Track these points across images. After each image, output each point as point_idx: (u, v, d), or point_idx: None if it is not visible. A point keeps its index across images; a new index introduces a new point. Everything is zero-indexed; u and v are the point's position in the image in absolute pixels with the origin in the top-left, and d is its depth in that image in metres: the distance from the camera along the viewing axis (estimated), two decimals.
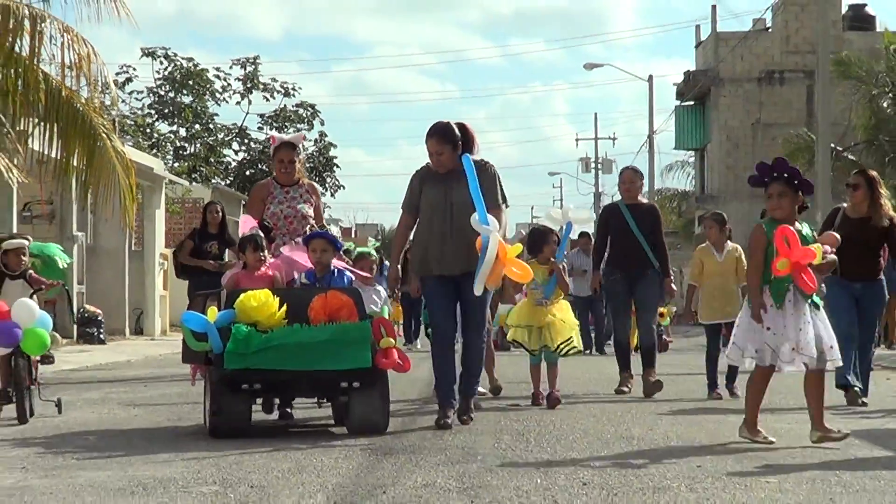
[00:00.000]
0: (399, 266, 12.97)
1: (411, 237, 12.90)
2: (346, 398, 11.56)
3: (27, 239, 14.62)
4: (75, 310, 32.08)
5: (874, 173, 14.66)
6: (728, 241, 16.19)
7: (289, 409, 13.18)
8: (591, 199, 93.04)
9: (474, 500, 8.03)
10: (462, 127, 12.55)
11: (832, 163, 36.60)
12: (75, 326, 31.72)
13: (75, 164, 21.16)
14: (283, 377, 11.33)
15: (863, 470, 9.32)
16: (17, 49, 20.46)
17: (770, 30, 54.61)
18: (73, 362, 24.73)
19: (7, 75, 20.54)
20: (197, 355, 11.81)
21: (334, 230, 14.53)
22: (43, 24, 20.46)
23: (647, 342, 16.35)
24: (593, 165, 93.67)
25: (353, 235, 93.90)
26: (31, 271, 14.21)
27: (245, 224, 13.21)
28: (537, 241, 14.74)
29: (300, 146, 14.41)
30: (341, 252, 13.36)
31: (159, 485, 8.71)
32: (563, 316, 14.66)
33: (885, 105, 38.58)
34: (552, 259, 14.62)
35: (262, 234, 12.81)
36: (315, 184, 14.68)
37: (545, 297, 14.57)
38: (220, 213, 21.37)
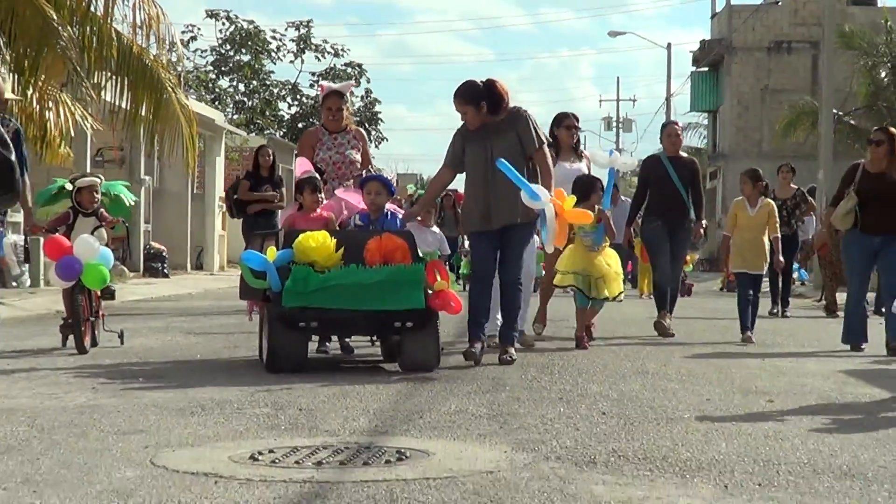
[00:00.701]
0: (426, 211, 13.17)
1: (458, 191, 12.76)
2: (399, 337, 11.04)
3: (99, 177, 14.12)
4: (135, 247, 32.27)
5: (895, 129, 14.07)
6: (762, 197, 15.41)
7: (348, 340, 12.56)
8: None
9: (503, 426, 8.00)
10: (490, 84, 11.80)
11: (834, 126, 36.52)
12: (139, 261, 31.85)
13: (143, 114, 21.21)
14: (339, 316, 10.72)
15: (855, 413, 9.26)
16: (92, 8, 20.55)
17: (780, 3, 54.18)
18: (138, 294, 24.93)
19: (84, 32, 20.59)
20: (255, 292, 11.29)
21: (388, 174, 13.92)
22: None
23: (672, 288, 15.86)
24: (615, 124, 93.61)
25: (395, 183, 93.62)
26: (102, 210, 13.62)
27: (301, 167, 12.38)
28: (583, 189, 13.60)
29: (347, 95, 13.89)
30: (396, 195, 12.62)
31: (216, 406, 8.73)
32: (614, 264, 13.88)
33: (882, 74, 38.37)
34: (599, 207, 13.61)
35: (318, 177, 12.13)
36: (362, 130, 14.04)
37: (596, 243, 13.69)
38: (272, 157, 21.03)
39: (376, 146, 62.32)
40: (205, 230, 38.06)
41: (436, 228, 14.00)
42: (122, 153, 32.86)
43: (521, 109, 11.93)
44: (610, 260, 13.78)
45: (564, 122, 14.84)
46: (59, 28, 19.47)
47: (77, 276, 12.53)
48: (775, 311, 21.11)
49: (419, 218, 12.98)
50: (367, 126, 59.09)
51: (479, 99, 11.66)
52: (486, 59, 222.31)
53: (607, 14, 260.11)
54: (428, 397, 9.41)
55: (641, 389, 10.00)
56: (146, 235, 33.46)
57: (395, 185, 12.45)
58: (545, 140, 11.99)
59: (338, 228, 11.71)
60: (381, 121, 62.44)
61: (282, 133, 57.68)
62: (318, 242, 10.73)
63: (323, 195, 12.03)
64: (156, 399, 9.08)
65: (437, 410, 8.69)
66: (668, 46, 65.87)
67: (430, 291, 10.81)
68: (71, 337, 12.75)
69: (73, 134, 22.06)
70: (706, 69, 59.60)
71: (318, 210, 11.84)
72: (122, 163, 33.28)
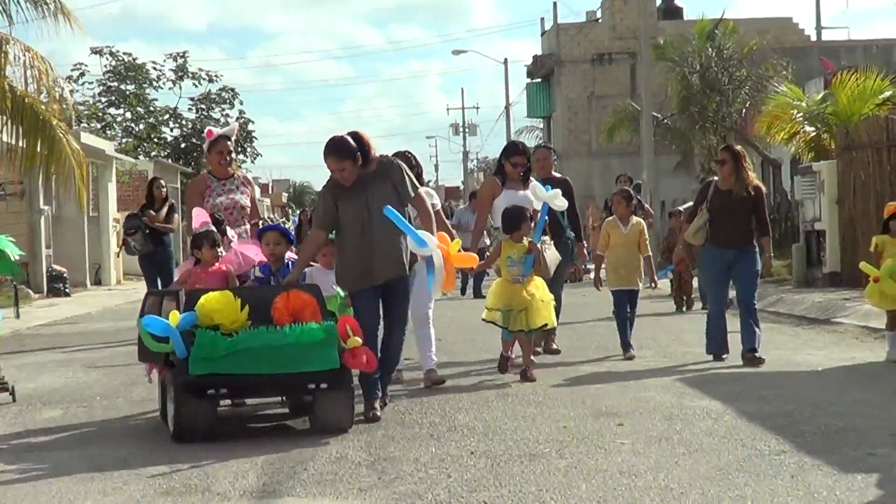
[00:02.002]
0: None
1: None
2: (312, 397, 9.42)
3: None
4: (38, 271, 31.43)
5: (739, 148, 13.53)
6: (632, 216, 14.34)
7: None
8: (461, 157, 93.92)
9: (381, 476, 7.66)
10: (357, 137, 10.13)
11: (654, 129, 36.69)
12: (42, 283, 31.12)
13: (39, 152, 20.66)
14: (250, 380, 9.11)
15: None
16: None
17: (600, 20, 54.52)
18: (42, 317, 24.16)
19: None
20: (155, 355, 9.55)
21: (277, 220, 12.08)
22: (7, 45, 19.96)
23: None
24: (461, 129, 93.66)
25: (269, 191, 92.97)
26: None
27: (198, 218, 10.67)
28: (513, 219, 12.23)
29: (233, 138, 12.40)
30: (293, 244, 10.82)
31: (116, 466, 8.28)
32: (542, 294, 12.17)
33: (693, 81, 38.40)
34: (529, 238, 12.16)
35: (215, 230, 10.43)
36: (248, 176, 12.68)
37: (523, 274, 12.06)
38: (164, 189, 20.16)
39: (252, 161, 61.86)
40: (101, 249, 37.25)
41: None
42: (22, 186, 31.93)
43: (389, 158, 10.48)
44: (536, 290, 12.11)
45: (512, 158, 13.19)
46: None
47: None
48: None
49: (320, 264, 10.77)
50: (242, 144, 58.46)
51: (355, 152, 9.99)
52: (345, 74, 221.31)
53: (451, 30, 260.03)
54: (310, 441, 9.00)
55: (504, 418, 9.71)
56: (47, 259, 32.61)
57: (292, 234, 11.00)
58: (417, 184, 10.55)
59: (237, 282, 10.27)
60: (256, 138, 61.81)
61: (166, 154, 56.79)
62: (222, 304, 9.18)
63: (221, 248, 10.44)
64: (58, 463, 8.54)
65: (320, 459, 8.30)
66: (505, 61, 66.15)
67: (343, 348, 9.22)
68: None
69: None
70: (539, 80, 59.73)
71: (217, 264, 10.31)
72: (23, 195, 32.37)
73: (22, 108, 20.40)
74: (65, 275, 32.12)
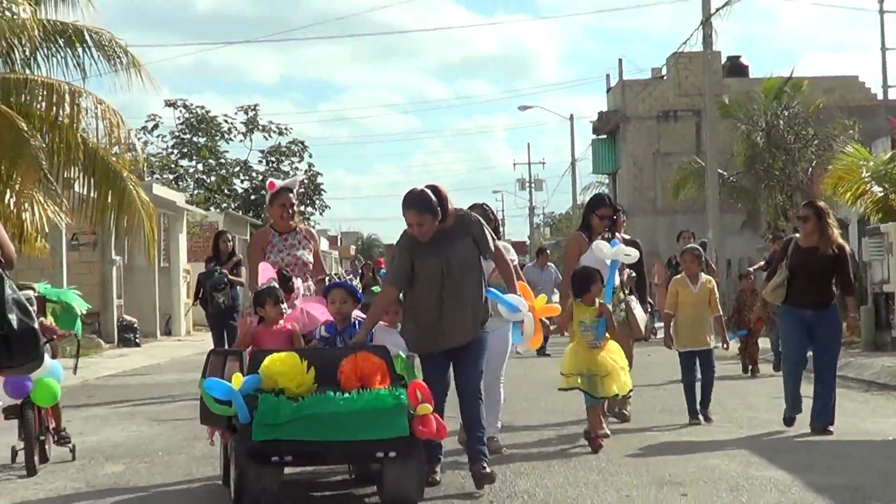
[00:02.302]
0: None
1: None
2: (379, 466, 8.74)
3: (32, 288, 11.69)
4: (109, 321, 31.52)
5: (822, 204, 12.72)
6: (702, 273, 13.64)
7: None
8: (527, 212, 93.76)
9: None
10: (434, 190, 9.47)
11: (719, 187, 36.30)
12: (113, 333, 31.15)
13: (110, 203, 20.67)
14: (315, 447, 8.48)
15: None
16: (59, 118, 20.08)
17: (665, 78, 54.14)
18: (111, 367, 24.23)
19: (53, 140, 20.09)
20: (217, 418, 8.95)
21: (341, 273, 11.09)
22: (80, 98, 20.04)
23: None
24: (528, 185, 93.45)
25: (338, 243, 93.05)
26: (42, 319, 11.12)
27: (264, 273, 10.14)
28: (583, 281, 11.44)
29: (296, 190, 11.88)
30: (362, 303, 10.04)
31: None
32: (619, 358, 11.38)
33: (758, 139, 38.03)
34: (600, 300, 11.44)
35: (278, 287, 9.82)
36: (312, 229, 11.97)
37: (597, 339, 11.28)
38: (231, 243, 20.17)
39: (320, 213, 62.08)
40: (171, 299, 37.39)
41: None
42: (94, 236, 32.10)
43: (468, 213, 9.82)
44: (614, 354, 11.36)
45: (599, 210, 12.62)
46: (31, 138, 19.05)
47: (27, 392, 10.61)
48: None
49: (384, 322, 9.83)
50: (311, 196, 58.66)
51: (436, 207, 9.30)
52: (412, 127, 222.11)
53: (518, 86, 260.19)
54: None
55: (565, 485, 9.41)
56: (119, 309, 32.73)
57: (360, 291, 10.00)
58: (496, 239, 9.84)
59: (302, 342, 9.70)
60: (324, 191, 61.99)
61: (236, 206, 57.04)
62: (287, 366, 8.58)
63: (286, 305, 9.81)
64: None
65: None
66: (571, 118, 65.94)
67: (412, 415, 8.54)
68: (21, 452, 10.72)
69: (47, 230, 21.41)
70: (605, 136, 59.40)
71: (282, 322, 9.71)
72: (96, 245, 32.56)
73: (94, 159, 20.47)
74: (135, 325, 32.25)
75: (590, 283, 11.42)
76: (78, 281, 30.44)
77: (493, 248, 9.64)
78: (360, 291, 9.96)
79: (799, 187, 36.40)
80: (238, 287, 19.45)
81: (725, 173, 38.94)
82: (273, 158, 59.20)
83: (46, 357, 9.78)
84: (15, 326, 5.83)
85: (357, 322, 9.64)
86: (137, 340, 31.74)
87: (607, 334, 11.36)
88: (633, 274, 13.13)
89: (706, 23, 33.59)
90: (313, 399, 8.48)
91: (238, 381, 8.50)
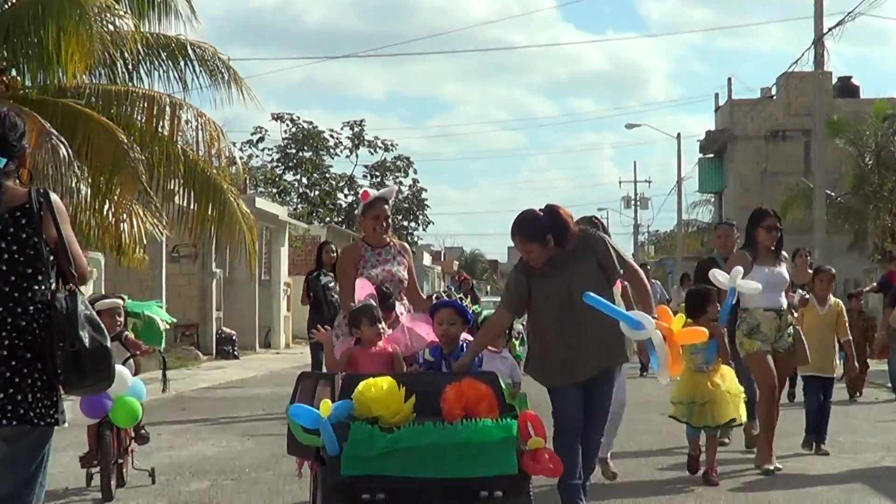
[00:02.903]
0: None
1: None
2: None
3: (122, 298, 11.25)
4: (208, 332, 31.65)
5: None
6: (830, 296, 12.99)
7: None
8: (631, 230, 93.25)
9: None
10: (553, 212, 8.67)
11: (826, 207, 35.63)
12: (212, 345, 31.23)
13: (210, 215, 20.62)
14: (412, 484, 7.41)
15: None
16: (160, 130, 20.07)
17: (774, 97, 53.52)
18: (208, 380, 24.23)
19: (153, 152, 20.08)
20: (305, 449, 7.97)
21: (451, 292, 9.98)
22: (180, 111, 20.02)
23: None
24: (633, 203, 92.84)
25: (441, 258, 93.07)
26: (127, 333, 10.85)
27: (361, 290, 9.33)
28: (699, 301, 10.69)
29: (391, 201, 10.77)
30: (471, 324, 9.13)
31: None
32: (728, 385, 10.64)
33: (867, 160, 37.40)
34: (714, 322, 10.49)
35: (376, 305, 8.94)
36: (405, 244, 10.74)
37: (706, 362, 10.60)
38: (335, 254, 18.86)
39: (423, 229, 62.10)
40: (271, 312, 37.40)
41: (506, 353, 9.78)
42: (195, 249, 32.21)
43: (593, 233, 8.93)
44: (722, 380, 10.61)
45: (764, 222, 11.40)
46: (130, 150, 19.05)
47: (105, 412, 9.69)
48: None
49: (491, 347, 9.14)
50: (415, 212, 58.67)
51: (545, 233, 8.54)
52: (519, 144, 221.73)
53: (625, 104, 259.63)
54: None
55: None
56: (218, 321, 32.83)
57: (470, 311, 9.16)
58: (627, 258, 8.96)
59: (404, 366, 8.78)
60: (428, 206, 62.01)
61: (339, 220, 57.16)
62: (382, 392, 7.58)
63: (384, 325, 8.90)
64: None
65: None
66: (678, 136, 65.18)
67: (522, 449, 7.52)
68: (96, 475, 10.18)
69: (145, 242, 21.40)
70: (712, 155, 58.90)
71: (381, 343, 8.79)
72: (196, 258, 32.68)
73: (194, 171, 20.42)
74: (234, 337, 32.30)
75: (706, 303, 10.72)
76: (177, 293, 30.72)
77: (620, 268, 8.75)
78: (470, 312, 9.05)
79: None
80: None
81: (833, 194, 38.32)
82: (378, 173, 59.33)
83: (128, 374, 9.64)
84: (87, 344, 5.63)
85: (465, 345, 8.72)
86: (236, 353, 31.78)
87: (719, 358, 10.67)
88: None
89: (818, 42, 33.00)
90: (411, 430, 7.43)
91: (327, 407, 7.48)
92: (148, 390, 10.35)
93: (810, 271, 17.45)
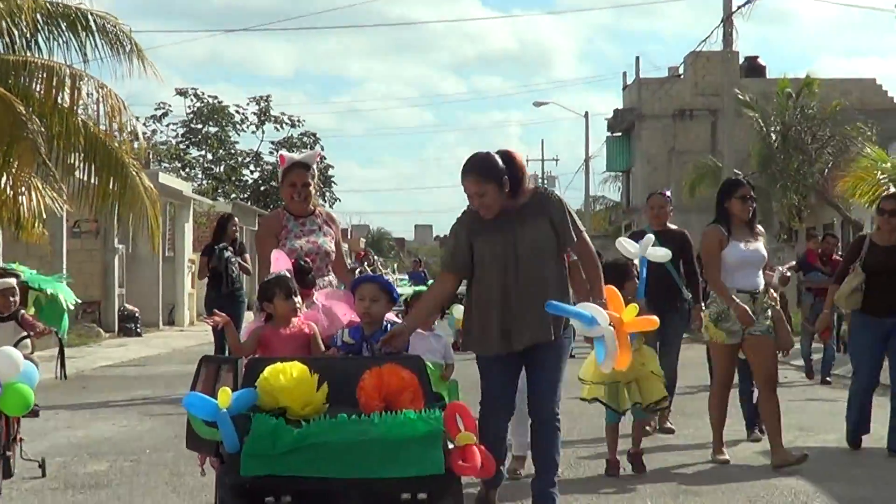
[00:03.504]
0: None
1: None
2: None
3: (16, 275, 10.28)
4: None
5: None
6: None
7: None
8: None
9: None
10: (507, 157, 7.68)
11: None
12: (114, 322, 30.72)
13: (112, 190, 20.10)
14: (323, 486, 6.41)
15: None
16: (59, 101, 19.52)
17: (682, 77, 53.65)
18: (109, 357, 23.78)
19: (52, 123, 19.53)
20: (206, 444, 6.80)
21: (387, 275, 8.97)
22: (81, 82, 19.49)
23: (669, 381, 11.14)
24: (540, 181, 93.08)
25: (348, 236, 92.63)
26: (23, 312, 9.99)
27: (278, 263, 8.08)
28: (616, 276, 9.42)
29: (314, 167, 9.47)
30: (399, 301, 8.28)
31: None
32: (651, 365, 9.91)
33: (774, 139, 37.59)
34: (632, 297, 9.20)
35: (289, 276, 7.75)
36: (332, 212, 9.81)
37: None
38: (237, 229, 18.03)
39: (331, 206, 61.72)
40: (175, 289, 36.84)
41: (439, 331, 9.02)
42: (97, 224, 31.58)
43: (549, 190, 7.98)
44: (645, 359, 9.83)
45: (738, 192, 10.33)
46: (28, 121, 18.50)
47: None
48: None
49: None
50: (321, 189, 58.27)
51: (502, 174, 7.53)
52: (426, 121, 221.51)
53: (532, 81, 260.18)
54: None
55: None
56: (120, 298, 32.26)
57: (396, 289, 7.96)
58: (581, 228, 7.84)
59: (322, 348, 7.69)
60: (335, 183, 61.79)
61: (245, 197, 56.61)
62: (291, 380, 6.57)
63: (299, 300, 7.71)
64: None
65: None
66: (586, 115, 65.34)
67: (449, 446, 6.50)
68: None
69: (44, 216, 20.85)
70: (619, 134, 59.02)
71: (297, 321, 7.64)
72: (98, 233, 32.05)
73: (95, 145, 19.90)
74: (137, 314, 31.83)
75: (623, 277, 9.78)
76: (79, 269, 30.06)
77: (574, 236, 7.71)
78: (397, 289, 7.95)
79: (815, 188, 36.01)
80: (245, 276, 17.70)
81: (740, 173, 38.44)
82: (284, 150, 58.83)
83: (19, 357, 8.87)
84: None
85: (389, 326, 7.60)
86: (139, 330, 31.27)
87: (641, 337, 9.56)
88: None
89: (727, 21, 33.01)
90: (322, 424, 6.43)
91: (226, 397, 6.42)
92: (43, 370, 9.80)
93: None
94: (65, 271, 27.56)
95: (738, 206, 10.22)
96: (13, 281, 10.14)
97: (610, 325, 7.42)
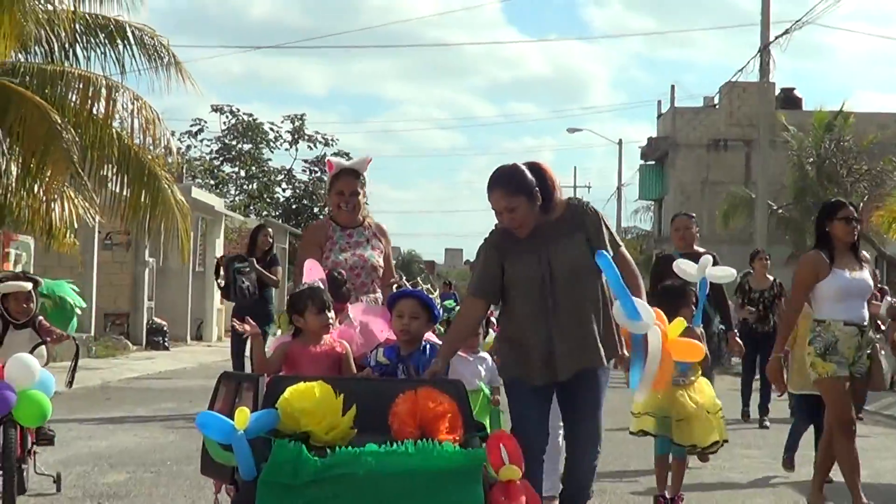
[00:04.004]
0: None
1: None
2: None
3: (33, 280, 9.69)
4: (138, 322, 31.03)
5: None
6: None
7: None
8: None
9: None
10: (535, 168, 6.98)
11: (767, 218, 35.55)
12: (142, 335, 30.68)
13: (143, 202, 20.07)
14: None
15: None
16: (94, 112, 19.53)
17: (717, 107, 53.54)
18: (136, 370, 23.69)
19: (87, 134, 19.53)
20: (221, 469, 6.12)
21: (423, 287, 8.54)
22: (116, 93, 19.51)
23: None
24: None
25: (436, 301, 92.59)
26: (41, 318, 9.47)
27: (311, 273, 7.45)
28: (672, 300, 8.61)
29: (364, 174, 8.68)
30: (439, 322, 7.40)
31: None
32: (706, 402, 8.82)
33: (809, 171, 37.43)
34: (689, 325, 7.88)
35: (323, 287, 7.12)
36: (382, 224, 8.90)
37: (682, 374, 8.63)
38: (272, 239, 17.15)
39: None
40: (204, 304, 36.82)
41: (484, 353, 8.25)
42: (128, 237, 31.61)
43: (583, 202, 7.25)
44: (700, 395, 8.81)
45: (841, 213, 9.17)
46: (63, 131, 18.51)
47: (9, 408, 8.21)
48: (765, 421, 15.72)
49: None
50: None
51: (532, 188, 6.85)
52: (459, 145, 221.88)
53: (566, 108, 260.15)
54: None
55: None
56: (149, 311, 32.25)
57: (438, 305, 7.27)
58: (619, 240, 7.18)
59: (354, 370, 7.02)
60: (367, 203, 61.68)
61: (276, 214, 56.65)
62: (315, 402, 5.94)
63: (333, 315, 7.06)
64: None
65: None
66: (620, 142, 65.26)
67: (492, 481, 5.77)
68: None
69: (76, 226, 20.85)
70: (653, 162, 58.87)
71: (328, 339, 6.99)
72: (129, 246, 32.08)
73: (128, 156, 19.93)
74: (165, 328, 31.81)
75: (680, 302, 8.66)
76: (109, 281, 30.19)
77: (616, 249, 7.00)
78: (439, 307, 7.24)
79: None
80: (273, 289, 16.78)
81: (774, 205, 38.26)
82: (317, 168, 58.79)
83: (36, 364, 8.46)
84: None
85: (428, 347, 6.97)
86: (166, 344, 31.23)
87: (696, 367, 8.67)
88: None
89: (764, 50, 32.87)
90: (349, 452, 5.69)
91: (244, 418, 5.77)
92: (59, 379, 9.45)
93: (770, 277, 16.67)
94: (94, 282, 27.71)
95: (841, 228, 9.13)
96: (29, 285, 9.52)
97: (656, 325, 6.53)
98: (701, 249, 11.04)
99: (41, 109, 18.40)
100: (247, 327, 6.99)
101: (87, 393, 17.47)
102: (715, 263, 9.78)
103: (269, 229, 17.57)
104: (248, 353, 13.72)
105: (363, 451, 5.65)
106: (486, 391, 7.73)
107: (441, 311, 7.10)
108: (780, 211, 38.77)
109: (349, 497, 5.59)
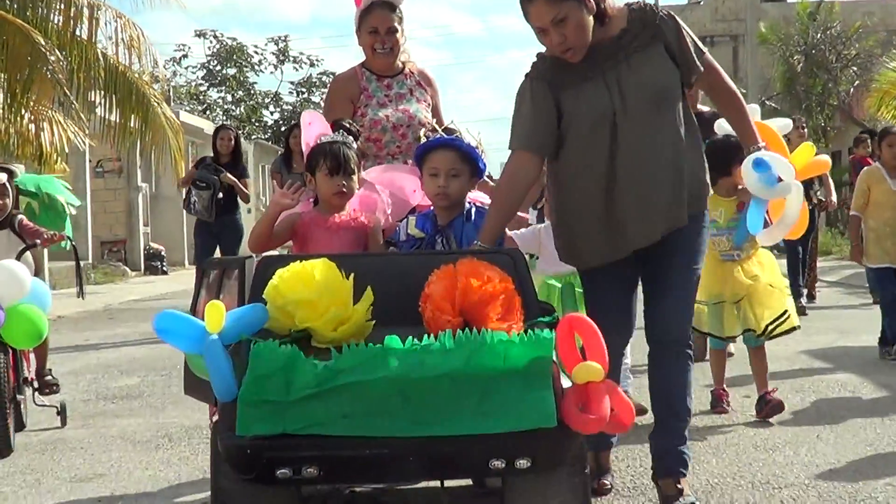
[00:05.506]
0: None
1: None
2: (502, 485, 4.38)
3: (6, 170, 8.00)
4: (135, 248, 30.93)
5: None
6: None
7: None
8: None
9: None
10: None
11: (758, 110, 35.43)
12: (140, 260, 30.61)
13: (133, 127, 19.93)
14: (366, 451, 3.87)
15: None
16: (77, 32, 19.33)
17: (702, 3, 53.22)
18: (137, 293, 23.61)
19: (72, 55, 19.34)
20: (203, 387, 4.45)
21: (468, 138, 5.11)
22: (99, 12, 19.28)
23: None
24: None
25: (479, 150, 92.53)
26: (21, 217, 7.93)
27: (311, 128, 5.45)
28: (722, 158, 6.97)
29: (400, 8, 6.42)
30: (485, 176, 5.35)
31: (184, 435, 7.46)
32: (770, 276, 7.39)
33: (797, 62, 37.22)
34: (741, 186, 6.53)
35: (345, 142, 5.23)
36: (427, 72, 6.63)
37: (736, 245, 7.26)
38: (234, 140, 14.85)
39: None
40: None
41: (540, 224, 6.71)
42: (120, 163, 31.41)
43: (650, 4, 5.11)
44: (763, 270, 7.39)
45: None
46: (48, 53, 18.30)
47: None
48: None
49: (524, 215, 6.13)
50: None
51: None
52: (444, 61, 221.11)
53: None
54: None
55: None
56: (145, 237, 32.13)
57: (482, 154, 5.21)
58: (706, 50, 5.21)
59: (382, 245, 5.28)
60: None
61: (266, 137, 56.45)
62: (315, 288, 4.13)
63: (356, 180, 5.24)
64: (124, 429, 7.76)
65: None
66: None
67: (564, 385, 4.01)
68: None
69: (67, 150, 20.69)
70: None
71: (350, 209, 5.25)
72: (121, 172, 31.88)
73: (115, 76, 19.72)
74: (162, 252, 31.67)
75: (731, 160, 6.89)
76: (103, 208, 30.05)
77: (700, 64, 5.12)
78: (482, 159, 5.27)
79: (840, 107, 35.66)
80: (241, 202, 14.61)
81: (763, 97, 38.14)
82: (304, 90, 58.51)
83: (25, 273, 6.97)
84: None
85: (474, 210, 5.21)
86: (165, 269, 31.14)
87: (753, 239, 6.59)
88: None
89: None
90: (364, 351, 3.90)
91: (218, 316, 4.05)
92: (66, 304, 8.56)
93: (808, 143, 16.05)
94: (89, 210, 27.55)
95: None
96: (3, 176, 7.90)
97: (798, 183, 5.39)
98: (705, 108, 10.71)
99: (24, 32, 18.17)
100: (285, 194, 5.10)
101: (90, 315, 17.38)
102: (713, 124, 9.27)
103: (231, 131, 15.19)
104: None
105: (383, 348, 3.89)
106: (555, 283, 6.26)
107: (484, 166, 5.28)
108: (770, 103, 38.65)
109: (364, 413, 3.88)
